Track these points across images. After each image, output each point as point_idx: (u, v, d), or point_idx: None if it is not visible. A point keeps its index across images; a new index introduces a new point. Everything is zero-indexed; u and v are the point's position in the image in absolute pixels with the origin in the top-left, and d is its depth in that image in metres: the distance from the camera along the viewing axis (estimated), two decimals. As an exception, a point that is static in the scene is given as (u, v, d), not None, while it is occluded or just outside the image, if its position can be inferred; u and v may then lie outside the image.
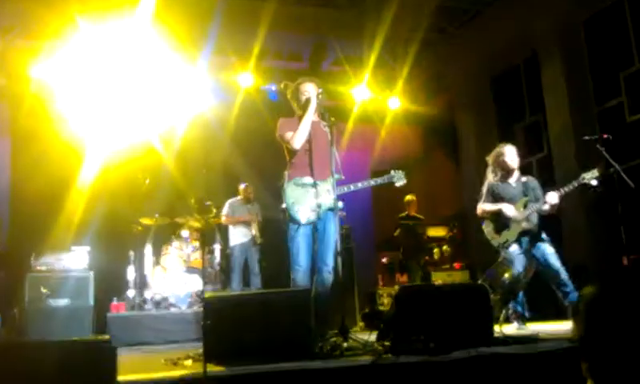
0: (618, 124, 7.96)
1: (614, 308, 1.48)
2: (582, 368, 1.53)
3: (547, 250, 5.98)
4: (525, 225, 6.04)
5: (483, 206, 6.28)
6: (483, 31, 9.95)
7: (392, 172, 5.30)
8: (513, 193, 6.21)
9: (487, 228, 6.22)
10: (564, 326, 5.76)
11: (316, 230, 4.89)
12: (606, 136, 6.12)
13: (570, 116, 8.48)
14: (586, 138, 6.20)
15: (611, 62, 8.22)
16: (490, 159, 6.40)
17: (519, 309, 6.05)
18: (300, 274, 4.81)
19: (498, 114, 10.51)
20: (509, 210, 6.09)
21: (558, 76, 8.73)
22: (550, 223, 6.28)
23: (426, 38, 10.30)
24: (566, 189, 5.94)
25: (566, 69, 8.63)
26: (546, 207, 5.99)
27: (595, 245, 7.90)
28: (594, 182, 5.88)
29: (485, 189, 6.35)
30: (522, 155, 6.63)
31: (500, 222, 6.15)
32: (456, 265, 9.58)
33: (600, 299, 1.51)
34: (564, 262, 5.95)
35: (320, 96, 5.04)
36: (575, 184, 5.91)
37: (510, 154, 6.28)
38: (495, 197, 6.26)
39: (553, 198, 5.92)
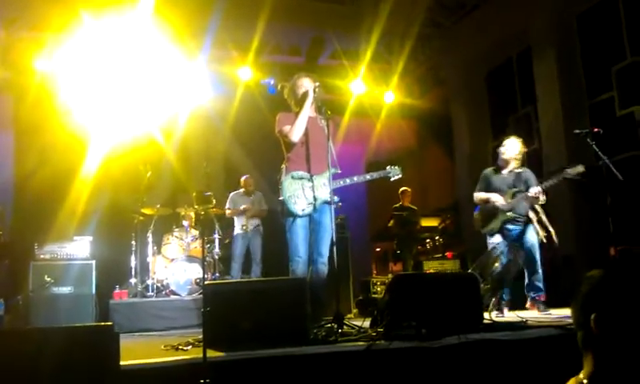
0: (608, 118, 8.05)
1: (615, 293, 1.54)
2: (578, 340, 1.61)
3: (530, 238, 6.20)
4: (510, 214, 6.23)
5: (476, 194, 6.52)
6: (478, 26, 9.98)
7: (388, 167, 5.41)
8: (503, 183, 6.40)
9: (477, 215, 6.44)
10: (552, 314, 5.91)
11: (313, 221, 5.01)
12: (596, 130, 6.22)
13: (561, 109, 8.53)
14: (577, 131, 6.31)
15: (603, 56, 8.29)
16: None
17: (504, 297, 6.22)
18: (300, 265, 4.91)
19: (492, 107, 10.59)
20: (497, 199, 6.30)
21: (550, 69, 8.77)
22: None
23: (422, 32, 10.38)
24: (549, 183, 6.14)
25: (559, 62, 8.68)
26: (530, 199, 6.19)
27: (584, 236, 7.97)
28: (577, 177, 6.10)
29: (480, 179, 6.59)
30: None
31: (489, 210, 6.35)
32: (448, 254, 9.60)
33: (602, 284, 1.57)
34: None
35: (317, 90, 5.09)
36: (559, 178, 6.12)
37: (508, 146, 6.50)
38: (488, 186, 6.46)
39: (534, 191, 6.12)
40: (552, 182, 6.15)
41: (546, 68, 8.89)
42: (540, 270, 6.19)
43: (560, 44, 8.76)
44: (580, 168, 6.09)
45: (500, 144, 6.66)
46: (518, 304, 6.30)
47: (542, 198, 6.15)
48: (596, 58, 8.44)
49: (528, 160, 9.24)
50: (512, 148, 6.49)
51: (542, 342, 3.85)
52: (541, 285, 6.20)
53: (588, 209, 7.84)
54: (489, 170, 6.58)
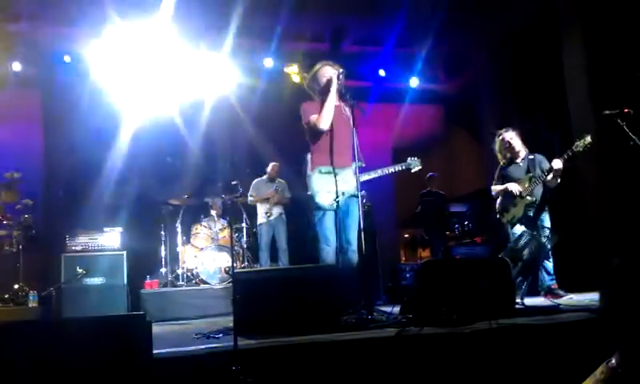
0: (638, 97, 7.90)
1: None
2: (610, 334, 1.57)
3: (546, 225, 6.34)
4: (529, 198, 6.35)
5: (494, 188, 6.74)
6: (504, 7, 9.83)
7: (409, 159, 5.58)
8: (519, 171, 6.57)
9: (498, 207, 6.63)
10: (586, 297, 5.85)
11: (340, 211, 5.00)
12: (626, 110, 6.12)
13: (590, 89, 8.38)
14: (607, 112, 6.21)
15: (633, 34, 8.13)
16: (496, 146, 6.83)
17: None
18: (330, 254, 4.93)
19: (519, 89, 10.45)
20: (514, 187, 6.43)
21: (578, 48, 8.59)
22: (572, 196, 6.45)
23: (447, 15, 10.25)
24: (565, 156, 6.21)
25: (587, 41, 8.48)
26: (550, 176, 6.23)
27: (615, 218, 7.87)
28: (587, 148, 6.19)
29: (496, 172, 6.82)
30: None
31: (507, 200, 6.52)
32: (477, 239, 9.56)
33: (628, 269, 1.53)
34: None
35: (341, 76, 5.06)
36: (569, 153, 6.19)
37: (512, 137, 6.69)
38: (504, 178, 6.65)
39: (557, 163, 6.16)
40: (566, 155, 6.20)
41: (573, 47, 8.71)
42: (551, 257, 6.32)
43: (588, 22, 8.57)
44: (588, 138, 6.14)
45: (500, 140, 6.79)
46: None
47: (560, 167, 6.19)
48: (625, 35, 8.25)
49: (558, 141, 9.17)
50: (515, 138, 6.69)
51: (575, 326, 3.81)
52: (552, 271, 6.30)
53: (618, 191, 7.72)
54: (502, 163, 6.78)
